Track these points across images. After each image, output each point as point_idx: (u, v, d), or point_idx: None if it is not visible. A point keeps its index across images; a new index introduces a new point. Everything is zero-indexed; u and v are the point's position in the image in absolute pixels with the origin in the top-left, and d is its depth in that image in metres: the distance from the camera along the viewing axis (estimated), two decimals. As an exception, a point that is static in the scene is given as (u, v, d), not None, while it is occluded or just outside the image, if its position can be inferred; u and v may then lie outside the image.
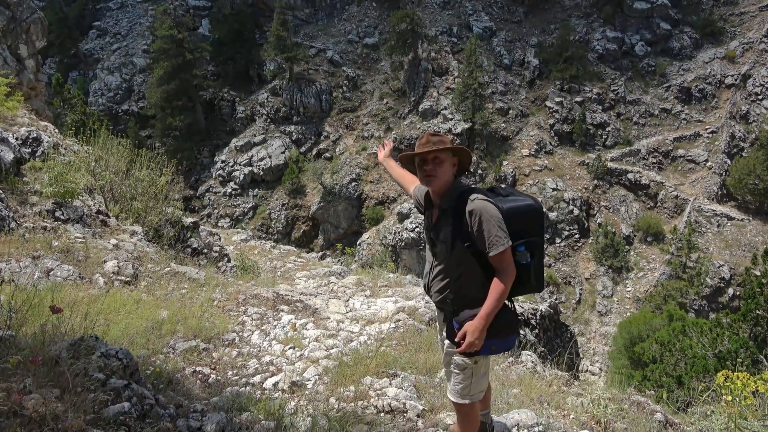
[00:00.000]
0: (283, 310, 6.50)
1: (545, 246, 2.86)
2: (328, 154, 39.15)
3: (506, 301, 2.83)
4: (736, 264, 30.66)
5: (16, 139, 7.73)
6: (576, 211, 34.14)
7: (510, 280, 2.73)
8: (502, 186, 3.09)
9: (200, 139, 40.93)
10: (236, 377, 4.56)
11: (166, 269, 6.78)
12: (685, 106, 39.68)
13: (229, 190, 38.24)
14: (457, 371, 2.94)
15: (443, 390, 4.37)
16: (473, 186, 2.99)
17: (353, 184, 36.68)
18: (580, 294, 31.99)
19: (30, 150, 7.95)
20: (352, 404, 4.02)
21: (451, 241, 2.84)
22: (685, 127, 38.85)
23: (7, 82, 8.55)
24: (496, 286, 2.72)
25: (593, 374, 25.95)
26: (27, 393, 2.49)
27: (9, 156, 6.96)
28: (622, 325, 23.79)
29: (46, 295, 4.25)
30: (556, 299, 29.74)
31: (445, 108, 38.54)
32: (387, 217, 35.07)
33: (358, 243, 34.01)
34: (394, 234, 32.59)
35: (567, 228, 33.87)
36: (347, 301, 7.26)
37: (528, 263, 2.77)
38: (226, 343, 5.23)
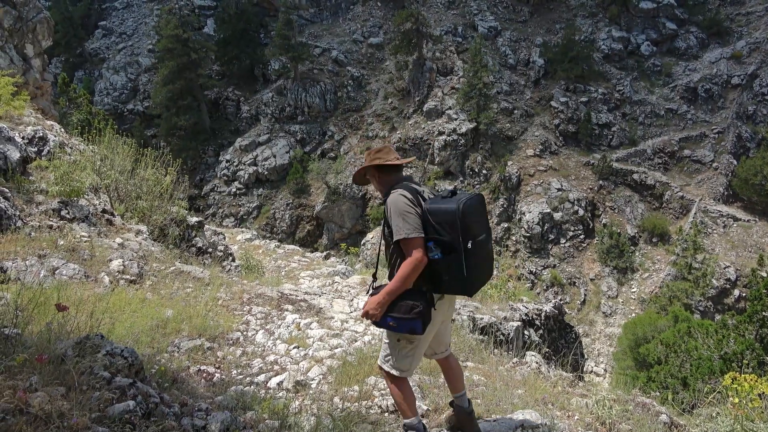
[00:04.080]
0: (287, 310, 6.51)
1: (472, 251, 2.99)
2: (332, 154, 39.15)
3: (423, 289, 3.07)
4: (742, 265, 30.50)
5: (23, 138, 7.76)
6: (581, 212, 34.04)
7: (411, 266, 2.96)
8: (459, 190, 3.23)
9: (205, 139, 41.02)
10: (241, 376, 4.57)
11: (171, 268, 6.80)
12: (691, 107, 39.48)
13: (234, 190, 38.31)
14: (385, 341, 3.31)
15: (447, 390, 4.37)
16: (406, 182, 3.25)
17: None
18: (585, 295, 31.88)
19: (36, 149, 7.98)
20: (356, 404, 4.02)
21: (383, 232, 3.26)
22: (691, 127, 38.66)
23: (13, 82, 8.58)
24: (400, 269, 3.02)
25: (598, 375, 25.86)
26: (33, 391, 2.50)
27: (15, 155, 7.00)
28: (627, 326, 23.70)
29: (51, 294, 4.27)
30: (560, 300, 29.64)
31: (450, 108, 38.49)
32: (391, 216, 34.98)
33: (362, 243, 34.00)
34: (399, 234, 32.53)
35: (572, 228, 33.77)
36: (351, 300, 7.26)
37: (437, 259, 2.98)
38: (231, 342, 5.24)
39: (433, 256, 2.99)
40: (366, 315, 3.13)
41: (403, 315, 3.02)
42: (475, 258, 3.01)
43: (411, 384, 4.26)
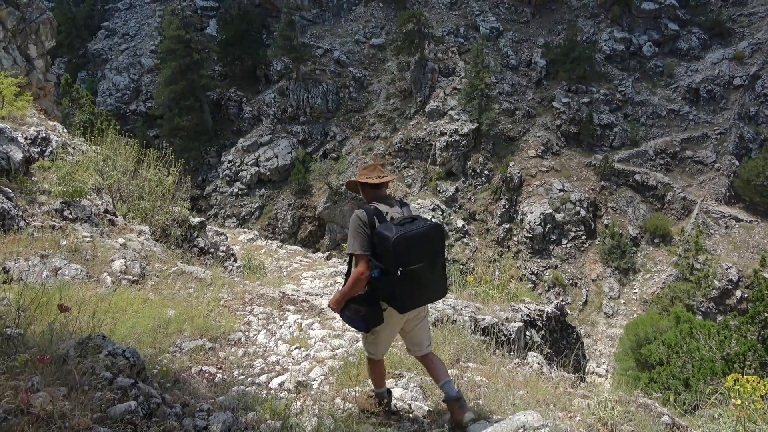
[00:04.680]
0: (289, 310, 6.51)
1: (401, 278, 3.35)
2: (334, 155, 39.18)
3: (373, 296, 3.52)
4: (744, 266, 30.45)
5: (26, 138, 7.78)
6: (583, 212, 34.01)
7: (353, 278, 3.47)
8: (416, 217, 3.57)
9: (207, 139, 41.07)
10: (242, 377, 4.58)
11: (173, 269, 6.81)
12: (693, 107, 39.43)
13: (236, 190, 38.35)
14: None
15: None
16: (378, 201, 3.70)
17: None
18: (587, 295, 31.85)
19: (39, 149, 8.00)
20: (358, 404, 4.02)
21: None
22: (693, 128, 38.61)
23: (16, 82, 8.60)
24: (349, 277, 3.54)
25: (600, 376, 25.83)
26: (35, 391, 2.50)
27: (18, 155, 7.01)
28: (628, 327, 23.64)
29: (54, 294, 4.28)
30: (562, 300, 29.60)
31: (452, 108, 38.49)
32: (393, 217, 34.99)
33: (364, 243, 33.95)
34: (400, 234, 32.52)
35: (574, 229, 33.74)
36: (353, 301, 7.25)
37: (376, 277, 3.43)
38: (233, 342, 5.24)
39: (373, 274, 3.44)
40: (329, 307, 3.73)
41: (352, 315, 3.56)
42: (408, 284, 3.35)
43: (413, 385, 4.30)
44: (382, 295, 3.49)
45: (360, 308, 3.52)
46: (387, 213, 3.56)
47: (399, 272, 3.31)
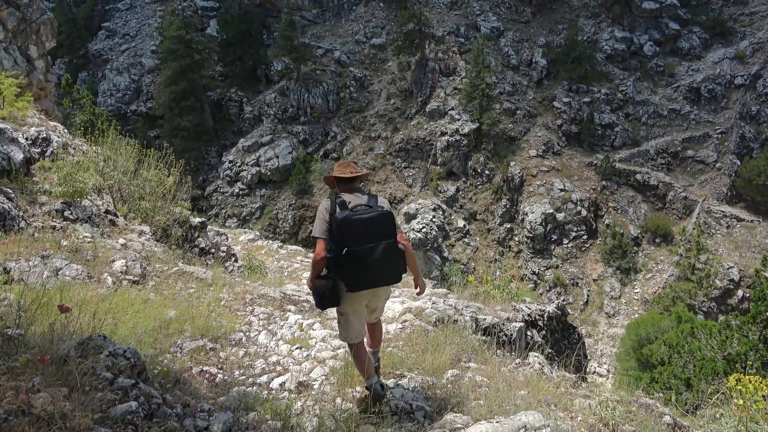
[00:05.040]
0: (290, 310, 6.51)
1: (347, 258, 3.68)
2: (335, 155, 39.17)
3: (330, 276, 3.83)
4: (745, 266, 30.42)
5: (26, 139, 7.78)
6: (584, 212, 33.98)
7: (313, 259, 3.82)
8: (373, 206, 3.87)
9: (208, 140, 41.09)
10: (243, 377, 4.57)
11: (174, 269, 6.80)
12: (694, 107, 39.40)
13: (237, 190, 38.36)
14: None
15: (450, 391, 4.37)
16: (345, 192, 4.06)
17: (360, 184, 36.66)
18: (588, 295, 31.83)
19: (39, 150, 8.00)
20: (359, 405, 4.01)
21: None
22: (695, 127, 38.58)
23: (17, 83, 8.61)
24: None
25: (601, 376, 25.82)
26: (35, 392, 2.50)
27: (19, 156, 7.02)
28: (630, 327, 23.64)
29: (54, 294, 4.28)
30: (563, 300, 29.62)
31: (453, 108, 38.48)
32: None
33: (364, 243, 33.97)
34: (401, 234, 32.52)
35: (575, 229, 33.72)
36: (354, 301, 7.24)
37: (330, 257, 3.73)
38: (233, 342, 5.24)
39: (328, 254, 3.74)
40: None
41: (314, 291, 3.87)
42: (354, 263, 3.65)
43: (414, 385, 4.29)
44: (337, 274, 3.77)
45: (325, 285, 3.82)
46: (350, 202, 3.87)
47: (345, 251, 3.63)
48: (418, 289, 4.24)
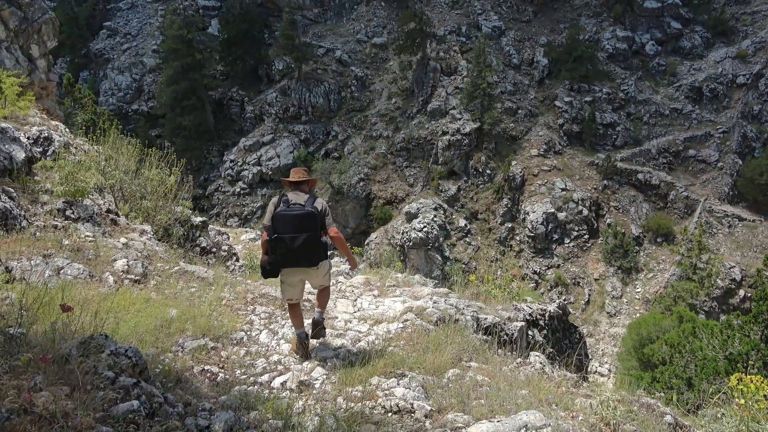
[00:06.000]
0: (291, 310, 6.49)
1: (274, 242, 4.84)
2: (336, 154, 39.20)
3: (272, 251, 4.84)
4: (747, 265, 30.38)
5: (28, 138, 7.80)
6: (585, 212, 33.96)
7: (261, 240, 5.05)
8: (305, 205, 4.81)
9: (209, 139, 41.12)
10: (244, 376, 4.58)
11: (176, 268, 6.81)
12: (696, 106, 39.35)
13: (238, 190, 38.39)
14: None
15: (451, 390, 4.37)
16: (291, 192, 4.98)
17: (361, 183, 36.72)
18: (589, 295, 31.81)
19: (41, 149, 8.01)
20: (360, 404, 4.01)
21: None
22: (696, 127, 38.53)
23: (18, 82, 8.62)
24: None
25: (602, 376, 25.81)
26: (37, 391, 2.50)
27: (20, 155, 7.03)
28: (631, 327, 23.63)
29: (56, 294, 4.28)
30: (564, 300, 29.60)
31: (454, 108, 38.46)
32: (395, 216, 35.07)
33: (366, 242, 34.02)
34: (402, 234, 32.58)
35: (576, 228, 33.70)
36: (355, 300, 7.26)
37: (268, 240, 4.77)
38: (235, 342, 5.24)
39: (268, 237, 4.77)
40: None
41: (261, 264, 4.98)
42: (279, 246, 4.72)
43: (415, 384, 4.30)
44: (272, 254, 4.80)
45: (266, 260, 4.88)
46: (292, 200, 4.83)
47: (273, 237, 4.72)
48: (349, 266, 5.76)
